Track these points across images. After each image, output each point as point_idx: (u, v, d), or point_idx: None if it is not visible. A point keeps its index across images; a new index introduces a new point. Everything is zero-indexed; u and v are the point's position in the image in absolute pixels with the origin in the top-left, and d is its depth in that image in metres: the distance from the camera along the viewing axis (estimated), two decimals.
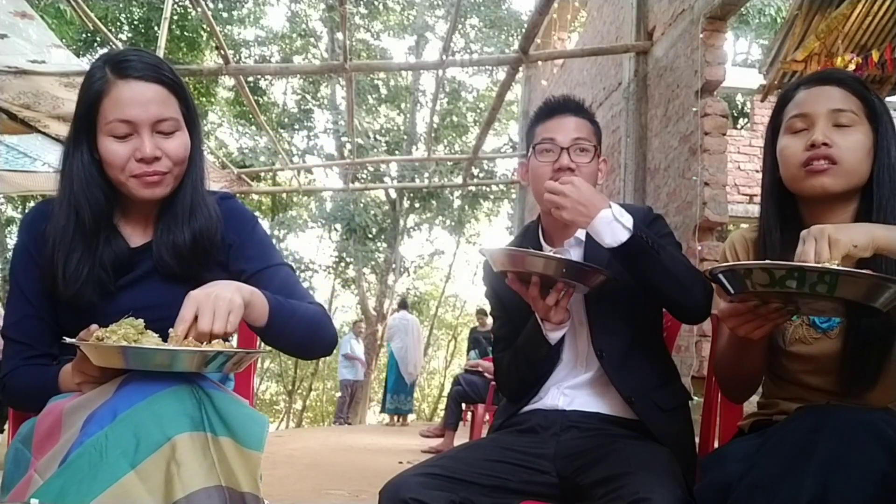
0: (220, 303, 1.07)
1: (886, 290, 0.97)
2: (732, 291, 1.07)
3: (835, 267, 0.96)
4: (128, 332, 1.07)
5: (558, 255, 1.42)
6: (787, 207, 1.31)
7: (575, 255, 1.56)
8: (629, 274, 1.42)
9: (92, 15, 5.14)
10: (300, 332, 1.27)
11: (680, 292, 1.42)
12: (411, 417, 11.01)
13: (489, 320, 9.62)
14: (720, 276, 1.07)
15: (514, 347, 1.59)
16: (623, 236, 1.36)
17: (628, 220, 1.37)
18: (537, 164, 1.57)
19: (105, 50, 12.74)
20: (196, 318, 1.06)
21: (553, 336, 1.49)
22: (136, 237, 1.31)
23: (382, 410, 11.16)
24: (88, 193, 1.23)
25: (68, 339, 1.11)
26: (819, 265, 0.97)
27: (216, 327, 1.06)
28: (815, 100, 1.25)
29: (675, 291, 1.42)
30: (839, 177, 1.21)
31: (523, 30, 6.40)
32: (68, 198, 1.24)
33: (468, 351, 9.67)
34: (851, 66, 4.87)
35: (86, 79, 1.24)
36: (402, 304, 11.17)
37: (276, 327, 1.21)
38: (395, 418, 10.29)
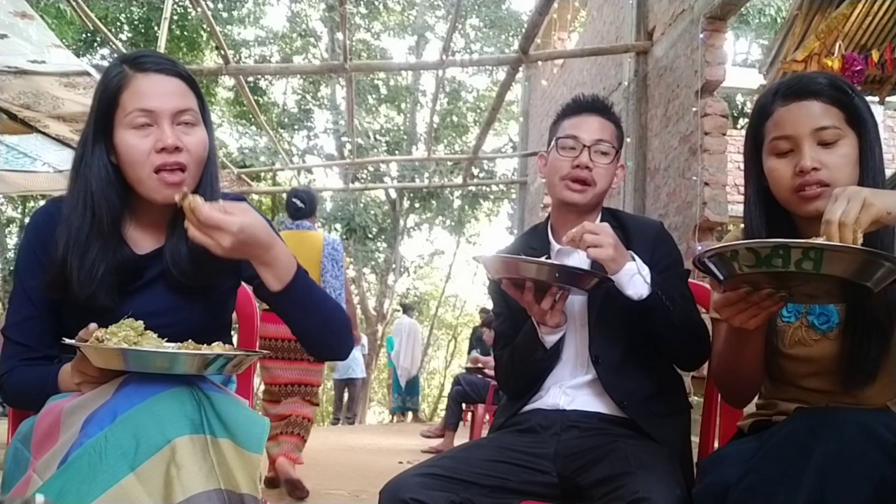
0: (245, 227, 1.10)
1: (877, 267, 0.94)
2: (722, 278, 1.06)
3: (820, 242, 0.94)
4: (128, 334, 1.07)
5: (550, 261, 1.42)
6: (775, 216, 1.28)
7: (583, 254, 1.57)
8: (639, 323, 1.45)
9: (92, 15, 5.14)
10: (315, 315, 1.24)
11: (682, 347, 1.48)
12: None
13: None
14: (708, 262, 1.05)
15: (511, 347, 1.59)
16: (644, 291, 1.39)
17: (647, 274, 1.41)
18: (557, 157, 1.60)
19: (105, 50, 12.78)
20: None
21: (549, 339, 1.50)
22: (144, 243, 1.28)
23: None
24: (107, 194, 1.20)
25: (67, 340, 1.10)
26: (803, 241, 0.94)
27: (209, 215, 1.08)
28: (795, 119, 1.20)
29: (678, 346, 1.48)
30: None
31: (523, 30, 6.40)
32: (83, 198, 1.20)
33: (470, 350, 9.70)
34: (836, 65, 4.86)
35: (102, 78, 1.23)
36: (403, 308, 11.28)
37: (293, 296, 1.19)
38: (398, 415, 10.41)
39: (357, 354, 11.91)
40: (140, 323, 1.11)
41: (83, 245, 1.19)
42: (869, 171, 1.20)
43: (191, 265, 1.24)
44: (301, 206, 3.87)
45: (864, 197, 0.98)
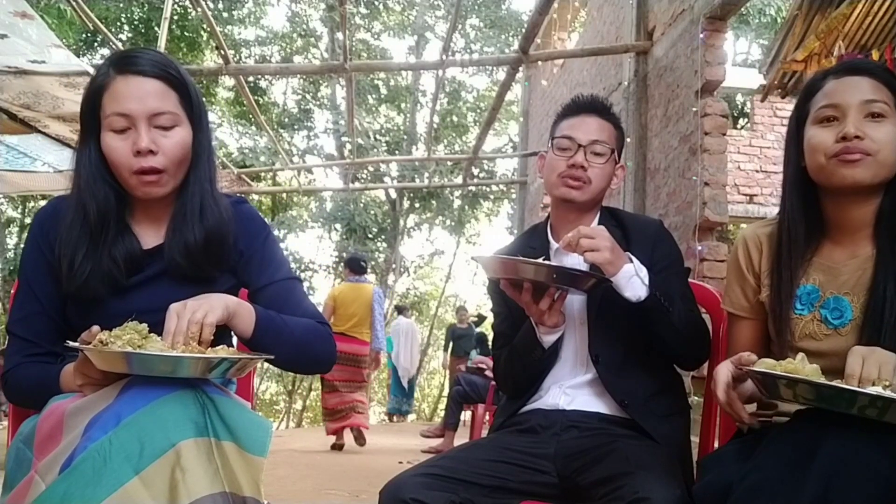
0: (195, 307, 1.11)
1: None
2: (768, 395, 1.07)
3: (889, 394, 0.94)
4: (132, 338, 1.07)
5: (548, 262, 1.42)
6: (810, 200, 1.28)
7: None
8: (638, 324, 1.45)
9: (92, 15, 5.13)
10: (289, 347, 1.26)
11: (681, 348, 1.48)
12: (411, 417, 11.07)
13: (467, 316, 9.72)
14: (758, 382, 1.06)
15: (509, 347, 1.59)
16: (642, 293, 1.39)
17: (645, 276, 1.41)
18: (553, 157, 1.61)
19: (105, 50, 12.78)
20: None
21: (547, 339, 1.50)
22: (148, 238, 1.31)
23: None
24: (95, 189, 1.24)
25: (71, 343, 1.11)
26: (872, 391, 0.95)
27: (189, 325, 1.08)
28: (845, 90, 1.21)
29: (678, 347, 1.48)
30: (871, 168, 1.18)
31: (523, 30, 6.40)
32: (77, 195, 1.25)
33: (446, 348, 9.75)
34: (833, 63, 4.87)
35: (91, 78, 1.27)
36: (398, 310, 11.33)
37: (261, 339, 1.22)
38: (392, 417, 10.41)
39: None
40: (144, 326, 1.11)
41: (75, 240, 1.24)
42: None
43: (195, 251, 1.26)
44: (363, 265, 6.33)
45: (894, 362, 1.00)
